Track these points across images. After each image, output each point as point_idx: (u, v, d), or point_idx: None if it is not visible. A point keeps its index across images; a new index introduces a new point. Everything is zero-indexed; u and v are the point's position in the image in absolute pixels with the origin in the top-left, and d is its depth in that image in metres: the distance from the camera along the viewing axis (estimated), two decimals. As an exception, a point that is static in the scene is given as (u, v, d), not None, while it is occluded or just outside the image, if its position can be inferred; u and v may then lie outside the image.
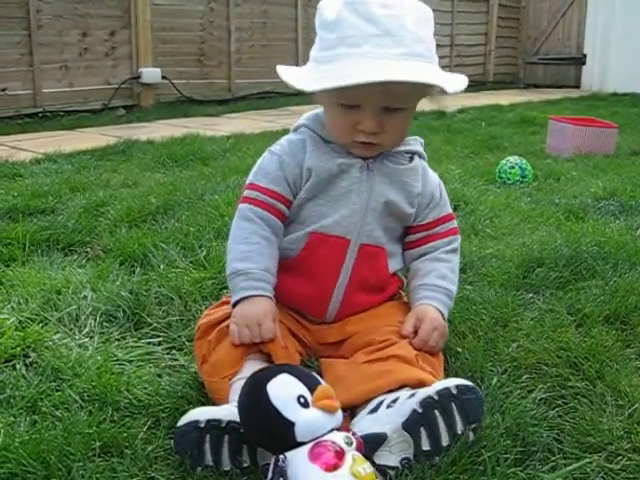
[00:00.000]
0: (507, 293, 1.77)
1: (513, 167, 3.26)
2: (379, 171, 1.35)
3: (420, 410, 1.08)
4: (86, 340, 1.55)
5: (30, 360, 1.45)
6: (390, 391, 1.16)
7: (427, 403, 1.09)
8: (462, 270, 1.94)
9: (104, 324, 1.64)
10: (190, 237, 2.19)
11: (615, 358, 1.43)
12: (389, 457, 1.08)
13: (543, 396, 1.30)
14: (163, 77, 6.70)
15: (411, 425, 1.08)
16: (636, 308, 1.65)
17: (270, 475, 1.01)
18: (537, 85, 10.61)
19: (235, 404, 1.10)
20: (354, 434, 1.05)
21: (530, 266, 1.95)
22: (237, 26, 7.37)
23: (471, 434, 1.10)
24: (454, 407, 1.09)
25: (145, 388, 1.33)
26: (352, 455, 1.00)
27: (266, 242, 1.33)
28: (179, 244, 2.15)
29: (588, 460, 1.12)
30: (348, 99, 1.26)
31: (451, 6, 9.79)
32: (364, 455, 1.03)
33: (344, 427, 1.08)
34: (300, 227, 1.37)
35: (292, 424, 1.01)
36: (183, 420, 1.10)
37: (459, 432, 1.10)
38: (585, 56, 10.14)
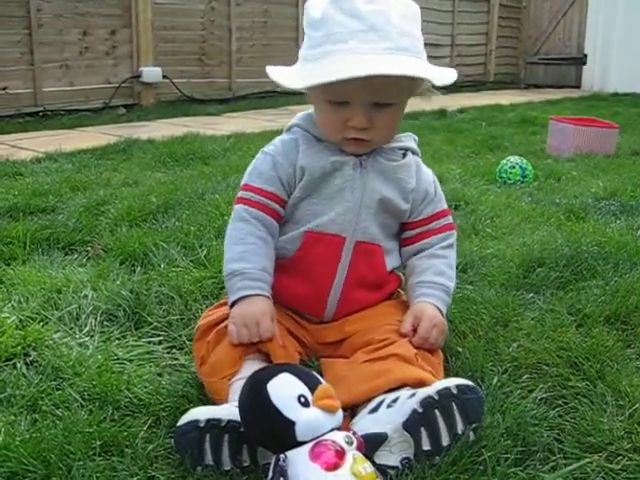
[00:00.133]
0: (508, 293, 1.77)
1: (514, 167, 3.26)
2: (372, 168, 1.35)
3: (420, 410, 1.08)
4: (86, 339, 1.55)
5: (30, 359, 1.45)
6: (390, 390, 1.16)
7: (427, 403, 1.08)
8: (463, 270, 1.94)
9: (104, 323, 1.64)
10: (191, 236, 2.19)
11: (616, 358, 1.43)
12: (389, 457, 1.07)
13: (543, 396, 1.30)
14: (164, 76, 6.71)
15: (411, 425, 1.08)
16: (637, 308, 1.65)
17: (271, 474, 1.01)
18: (538, 85, 10.61)
19: (235, 404, 1.10)
20: (354, 433, 1.05)
21: (531, 266, 1.95)
22: (238, 25, 7.37)
23: (471, 434, 1.10)
24: (454, 407, 1.09)
25: (145, 387, 1.33)
26: (352, 454, 1.00)
27: (262, 242, 1.33)
28: (180, 243, 2.15)
29: (588, 460, 1.12)
30: (336, 96, 1.26)
31: (452, 6, 9.80)
32: (364, 455, 1.03)
33: (344, 427, 1.08)
34: (295, 226, 1.37)
35: (293, 423, 1.01)
36: (183, 419, 1.10)
37: (459, 432, 1.09)
38: (586, 56, 10.14)
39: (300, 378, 1.05)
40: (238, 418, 1.07)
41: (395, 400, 1.13)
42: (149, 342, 1.55)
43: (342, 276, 1.36)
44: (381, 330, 1.31)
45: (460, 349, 1.46)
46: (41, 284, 1.83)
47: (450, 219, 1.46)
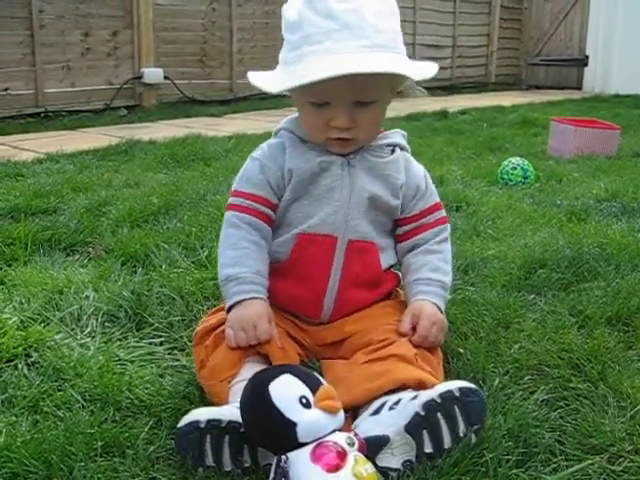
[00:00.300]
0: (509, 294, 1.77)
1: (515, 168, 3.26)
2: (360, 166, 1.35)
3: (423, 413, 1.08)
4: (88, 340, 1.55)
5: (32, 360, 1.45)
6: (391, 391, 1.16)
7: (430, 406, 1.08)
8: (464, 271, 1.95)
9: (106, 324, 1.64)
10: (192, 237, 2.19)
11: (617, 360, 1.43)
12: (391, 459, 1.07)
13: (545, 397, 1.30)
14: (165, 77, 6.72)
15: (414, 428, 1.08)
16: (638, 310, 1.65)
17: (272, 476, 1.01)
18: (539, 86, 10.61)
19: (235, 405, 1.10)
20: (356, 435, 1.05)
21: (532, 267, 1.95)
22: (239, 26, 7.38)
23: (473, 436, 1.10)
24: (457, 410, 1.09)
25: (147, 388, 1.32)
26: (354, 456, 1.00)
27: (255, 246, 1.34)
28: (181, 244, 2.15)
29: (590, 462, 1.11)
30: (317, 97, 1.27)
31: (453, 7, 9.81)
32: (366, 456, 1.03)
33: (346, 428, 1.08)
34: (288, 229, 1.37)
35: (294, 425, 1.01)
36: (184, 420, 1.10)
37: (462, 435, 1.09)
38: (587, 57, 10.14)
39: (301, 379, 1.05)
40: (239, 419, 1.07)
41: (397, 402, 1.12)
42: (150, 343, 1.55)
43: (337, 276, 1.35)
44: (380, 330, 1.31)
45: (461, 350, 1.46)
46: (42, 285, 1.83)
47: (443, 213, 1.46)
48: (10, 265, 2.03)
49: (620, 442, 1.16)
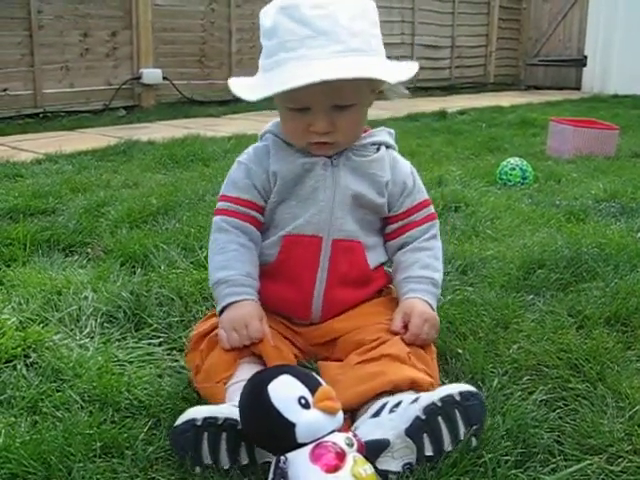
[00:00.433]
0: (508, 295, 1.77)
1: (514, 169, 3.26)
2: (344, 165, 1.36)
3: (423, 417, 1.07)
4: (87, 341, 1.55)
5: (31, 360, 1.45)
6: (387, 392, 1.16)
7: (430, 410, 1.08)
8: (463, 271, 1.95)
9: (105, 325, 1.64)
10: (191, 238, 2.19)
11: (616, 360, 1.43)
12: (391, 462, 1.07)
13: (544, 398, 1.30)
14: (164, 78, 6.71)
15: (414, 432, 1.07)
16: (637, 310, 1.65)
17: (271, 476, 1.01)
18: (538, 87, 10.60)
19: (232, 404, 1.10)
20: (355, 435, 1.05)
21: (531, 268, 1.95)
22: (238, 27, 7.37)
23: (473, 439, 1.10)
24: (457, 414, 1.09)
25: (146, 389, 1.33)
26: (353, 456, 1.00)
27: (244, 249, 1.35)
28: (180, 245, 2.15)
29: (589, 462, 1.12)
30: (296, 103, 1.27)
31: (452, 8, 9.80)
32: (365, 457, 1.03)
33: (345, 428, 1.08)
34: (275, 231, 1.38)
35: (293, 425, 1.01)
36: (180, 419, 1.10)
37: (462, 438, 1.09)
38: (586, 58, 10.14)
39: (300, 380, 1.05)
40: (235, 416, 1.07)
41: (397, 405, 1.12)
42: (149, 344, 1.55)
43: (323, 276, 1.36)
44: (372, 330, 1.31)
45: (460, 351, 1.46)
46: (41, 285, 1.83)
47: (432, 209, 1.46)
48: (9, 265, 2.03)
49: (619, 442, 1.16)
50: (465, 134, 5.02)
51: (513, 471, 1.08)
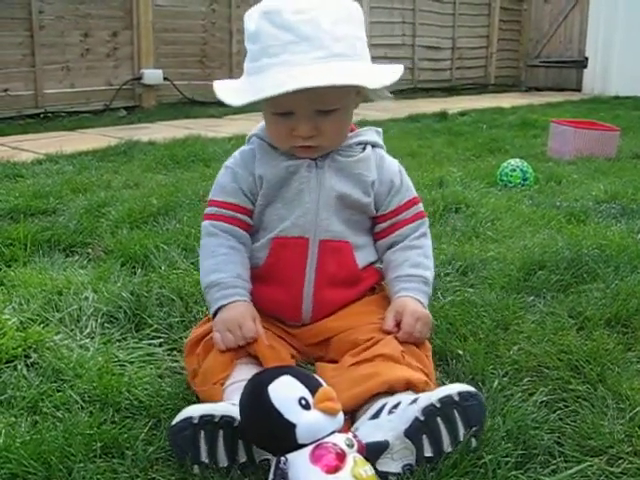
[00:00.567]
0: (508, 296, 1.77)
1: (514, 170, 3.26)
2: (329, 167, 1.36)
3: (422, 418, 1.07)
4: (87, 341, 1.55)
5: (31, 361, 1.45)
6: (386, 393, 1.16)
7: (429, 411, 1.08)
8: (463, 273, 1.95)
9: (105, 325, 1.64)
10: (191, 238, 2.19)
11: (616, 361, 1.43)
12: (391, 464, 1.07)
13: (544, 399, 1.30)
14: (165, 78, 6.71)
15: (413, 433, 1.07)
16: (637, 311, 1.65)
17: (271, 477, 1.01)
18: (538, 88, 10.60)
19: (231, 402, 1.11)
20: (355, 436, 1.05)
21: (531, 269, 1.95)
22: (239, 27, 7.36)
23: (473, 440, 1.10)
24: (456, 414, 1.09)
25: (146, 389, 1.33)
26: (353, 457, 1.00)
27: (234, 251, 1.35)
28: (180, 245, 2.15)
29: (589, 463, 1.12)
30: (279, 108, 1.28)
31: (453, 9, 9.80)
32: (365, 458, 1.03)
33: (345, 429, 1.08)
34: (264, 234, 1.39)
35: (293, 426, 1.01)
36: (177, 417, 1.10)
37: (461, 438, 1.09)
38: (587, 59, 10.14)
39: (301, 380, 1.05)
40: (232, 413, 1.08)
41: (396, 406, 1.12)
42: (150, 344, 1.55)
43: (312, 277, 1.36)
44: (364, 329, 1.32)
45: (461, 352, 1.46)
46: (42, 286, 1.83)
47: (420, 207, 1.45)
48: (9, 266, 2.03)
49: (619, 444, 1.16)
50: (466, 135, 5.02)
51: (513, 472, 1.08)
